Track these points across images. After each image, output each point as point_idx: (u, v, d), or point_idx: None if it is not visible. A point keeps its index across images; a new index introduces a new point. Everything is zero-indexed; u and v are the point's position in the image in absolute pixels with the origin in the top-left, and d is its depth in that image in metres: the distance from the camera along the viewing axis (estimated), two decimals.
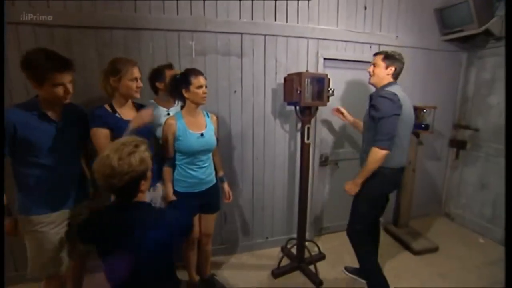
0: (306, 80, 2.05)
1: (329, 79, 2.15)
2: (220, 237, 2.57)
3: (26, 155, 1.39)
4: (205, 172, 1.87)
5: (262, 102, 2.44)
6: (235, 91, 2.36)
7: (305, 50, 2.46)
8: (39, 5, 1.91)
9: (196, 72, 1.76)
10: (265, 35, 2.33)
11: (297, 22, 2.40)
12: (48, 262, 1.49)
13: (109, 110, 1.58)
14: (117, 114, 1.58)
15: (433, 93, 3.04)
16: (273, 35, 2.35)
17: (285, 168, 2.62)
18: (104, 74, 1.57)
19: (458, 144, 3.17)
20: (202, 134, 1.80)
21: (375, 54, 1.92)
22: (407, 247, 2.70)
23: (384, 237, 2.91)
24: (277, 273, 2.33)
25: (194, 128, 1.79)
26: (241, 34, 2.28)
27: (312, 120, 2.56)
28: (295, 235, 2.51)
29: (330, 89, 2.17)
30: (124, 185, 1.08)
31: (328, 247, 2.74)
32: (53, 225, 1.48)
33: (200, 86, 1.74)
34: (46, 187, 1.45)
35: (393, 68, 1.86)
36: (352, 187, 1.90)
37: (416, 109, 2.66)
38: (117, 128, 1.54)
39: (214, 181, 1.97)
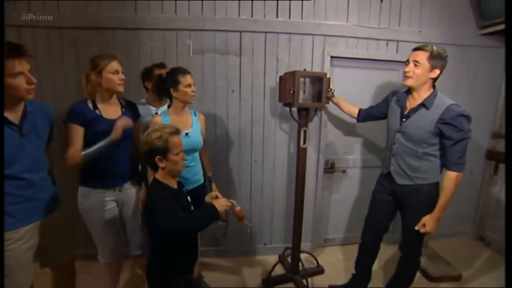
0: (301, 79, 1.90)
1: (329, 79, 1.97)
2: (215, 238, 2.53)
3: None
4: (191, 172, 1.84)
5: (262, 102, 2.34)
6: (233, 91, 2.29)
7: (309, 48, 2.30)
8: (50, 7, 2.06)
9: (183, 71, 1.73)
10: (265, 32, 2.23)
11: (301, 18, 2.25)
12: (16, 285, 1.34)
13: (90, 106, 1.61)
14: (96, 111, 1.61)
15: (466, 97, 2.63)
16: (275, 33, 2.24)
17: (285, 172, 2.48)
18: (85, 73, 1.60)
19: (496, 157, 2.71)
20: (187, 134, 1.77)
21: (416, 49, 1.60)
22: (422, 271, 2.37)
23: (396, 256, 2.61)
24: (268, 282, 2.21)
25: (179, 127, 1.76)
26: (240, 32, 2.21)
27: (316, 123, 2.41)
28: None
29: (330, 89, 1.99)
30: (144, 154, 1.30)
31: (330, 260, 2.54)
32: (23, 240, 1.33)
33: (189, 85, 1.71)
34: (14, 200, 1.28)
35: (438, 72, 1.57)
36: (435, 224, 1.63)
37: None
38: (93, 125, 1.57)
39: (202, 181, 1.93)
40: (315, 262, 2.42)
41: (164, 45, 2.18)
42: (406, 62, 1.65)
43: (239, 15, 2.18)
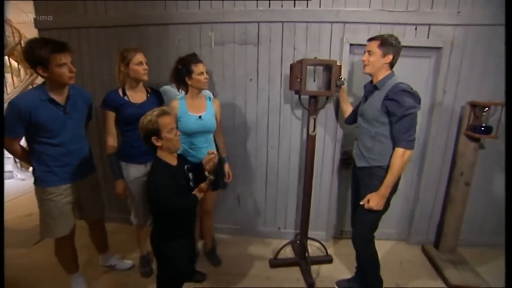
0: (310, 67, 1.92)
1: (339, 67, 1.95)
2: (233, 217, 2.73)
3: (39, 136, 1.60)
4: (204, 152, 2.01)
5: (278, 90, 2.41)
6: (251, 79, 2.41)
7: (327, 35, 2.27)
8: (101, 6, 2.44)
9: (196, 60, 1.92)
10: (282, 22, 2.28)
11: (319, 6, 2.23)
12: (57, 227, 1.74)
13: (120, 93, 1.92)
14: (125, 97, 1.91)
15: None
16: (292, 22, 2.27)
17: (300, 160, 2.52)
18: (116, 64, 1.91)
19: None
20: (200, 117, 1.96)
21: (370, 40, 1.73)
22: (442, 277, 2.20)
23: (418, 258, 2.47)
24: (274, 263, 2.32)
25: (193, 110, 1.97)
26: (258, 22, 2.30)
27: (332, 112, 2.39)
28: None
29: (341, 77, 1.96)
30: (143, 138, 1.50)
31: (342, 252, 2.53)
32: (63, 195, 1.72)
33: (201, 73, 1.89)
34: (57, 163, 1.67)
35: (390, 57, 1.67)
36: (380, 200, 1.65)
37: (475, 107, 2.12)
38: (123, 109, 1.88)
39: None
40: (331, 250, 2.45)
41: (189, 37, 2.40)
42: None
43: (257, 7, 2.27)
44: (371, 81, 1.80)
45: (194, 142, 1.98)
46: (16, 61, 5.50)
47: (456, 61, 2.25)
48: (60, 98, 1.64)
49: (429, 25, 2.21)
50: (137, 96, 1.95)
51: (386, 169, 1.67)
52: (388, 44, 1.65)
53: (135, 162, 1.94)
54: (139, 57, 1.86)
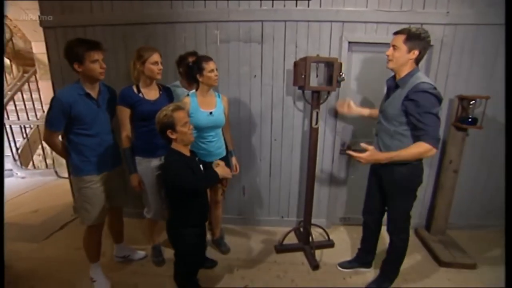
0: (312, 64, 2.06)
1: (340, 64, 2.09)
2: (238, 208, 2.86)
3: (77, 128, 1.77)
4: (214, 146, 2.15)
5: (281, 86, 2.54)
6: (255, 76, 2.53)
7: (327, 34, 2.41)
8: (107, 4, 2.50)
9: (206, 58, 2.02)
10: (285, 21, 2.40)
11: (320, 6, 2.36)
12: (96, 213, 1.90)
13: (135, 90, 2.00)
14: (140, 94, 1.99)
15: (502, 82, 2.49)
16: (294, 21, 2.40)
17: (302, 152, 2.67)
18: (132, 61, 1.99)
19: None
20: (211, 113, 2.07)
21: (396, 33, 1.66)
22: (434, 256, 2.41)
23: (411, 240, 2.66)
24: (280, 249, 2.48)
25: (205, 107, 2.07)
26: (262, 21, 2.42)
27: (332, 106, 2.54)
28: None
29: (341, 74, 2.11)
30: (159, 131, 1.61)
31: (342, 237, 2.71)
32: (99, 183, 1.89)
33: (212, 70, 2.00)
34: (93, 152, 1.83)
35: (416, 52, 1.61)
36: (372, 158, 1.62)
37: (463, 100, 2.31)
38: (138, 105, 1.96)
39: (224, 154, 2.23)
40: (335, 236, 2.62)
41: (195, 35, 2.50)
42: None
43: (260, 6, 2.39)
44: (394, 77, 1.77)
45: (205, 137, 2.09)
46: (8, 58, 5.43)
47: (445, 58, 2.44)
48: (93, 93, 1.82)
49: (422, 24, 2.37)
50: (151, 93, 2.04)
51: (406, 164, 1.67)
52: (414, 38, 1.57)
53: (150, 156, 2.04)
54: (156, 56, 1.94)
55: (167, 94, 2.15)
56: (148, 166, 2.05)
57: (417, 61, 1.65)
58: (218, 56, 2.50)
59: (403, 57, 1.63)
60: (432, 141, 1.53)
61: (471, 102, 2.26)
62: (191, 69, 2.04)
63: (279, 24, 2.41)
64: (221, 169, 1.73)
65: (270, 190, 2.79)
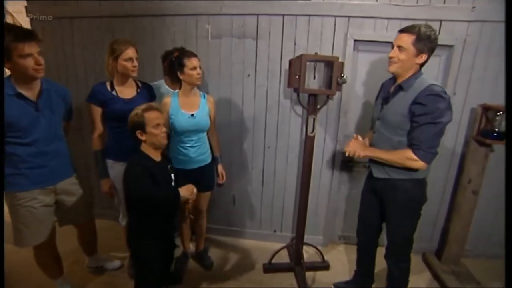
0: (309, 63, 1.80)
1: (341, 63, 1.82)
2: (227, 218, 2.63)
3: (8, 135, 1.42)
4: (196, 152, 1.94)
5: (277, 87, 2.29)
6: (248, 75, 2.29)
7: (330, 30, 2.13)
8: None
9: (189, 54, 1.81)
10: (283, 15, 2.14)
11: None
12: (32, 234, 1.58)
13: (108, 87, 1.81)
14: (113, 92, 1.80)
15: None
16: (293, 15, 2.13)
17: (299, 161, 2.41)
18: (106, 55, 1.80)
19: None
20: (192, 115, 1.86)
21: (401, 31, 1.42)
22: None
23: (419, 269, 2.35)
24: (268, 268, 2.23)
25: (186, 108, 1.87)
26: (257, 15, 2.17)
27: (335, 111, 2.27)
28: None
29: (343, 75, 1.83)
30: (129, 131, 1.47)
31: (340, 258, 2.43)
32: (37, 200, 1.55)
33: (194, 68, 1.79)
34: (27, 164, 1.49)
35: (425, 56, 1.40)
36: (361, 150, 1.52)
37: (488, 110, 1.98)
38: (110, 104, 1.77)
39: (208, 160, 2.02)
40: (332, 256, 2.37)
41: (185, 30, 2.29)
42: (392, 46, 1.48)
43: None
44: (393, 79, 1.58)
45: (186, 141, 1.89)
46: None
47: (468, 60, 2.10)
48: (30, 93, 1.46)
49: (441, 21, 2.05)
50: (126, 91, 1.85)
51: (412, 181, 1.51)
52: (425, 40, 1.35)
53: (123, 159, 1.82)
54: (130, 52, 1.74)
55: (147, 92, 1.95)
56: (121, 170, 1.84)
57: (422, 65, 1.45)
58: (209, 52, 2.28)
59: (410, 61, 1.41)
60: (423, 154, 1.37)
61: (498, 113, 1.92)
62: (173, 66, 1.84)
63: (276, 18, 2.16)
64: (184, 189, 1.55)
65: (263, 201, 2.55)
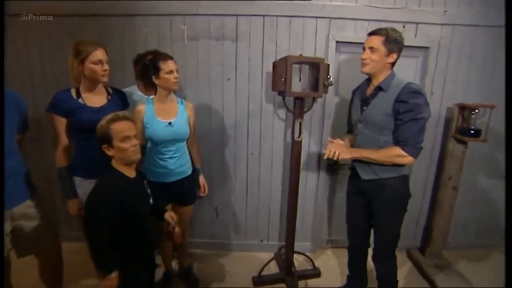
0: (295, 66, 1.73)
1: (327, 65, 1.77)
2: (210, 231, 2.47)
3: None
4: (175, 163, 1.78)
5: (259, 91, 2.20)
6: (228, 79, 2.18)
7: (312, 32, 2.10)
8: None
9: (165, 57, 1.66)
10: (263, 15, 2.07)
11: (303, 0, 2.05)
12: None
13: (73, 94, 1.59)
14: (80, 100, 1.58)
15: (501, 88, 2.26)
16: (273, 16, 2.07)
17: (284, 167, 2.33)
18: (70, 57, 1.59)
19: None
20: (170, 123, 1.71)
21: (371, 34, 1.50)
22: (430, 282, 2.12)
23: (405, 265, 2.38)
24: (258, 281, 2.11)
25: (163, 115, 1.71)
26: (236, 16, 2.07)
27: (319, 114, 2.23)
28: None
29: (329, 77, 1.79)
30: (98, 144, 1.29)
31: (330, 263, 2.38)
32: None
33: (171, 71, 1.63)
34: None
35: (395, 56, 1.48)
36: (346, 152, 1.51)
37: (464, 109, 2.05)
38: (76, 114, 1.54)
39: (188, 172, 1.87)
40: (319, 263, 2.29)
41: (159, 31, 2.12)
42: (363, 49, 1.55)
43: None
44: (366, 82, 1.63)
45: (164, 152, 1.73)
46: None
47: (443, 62, 2.18)
48: None
49: (417, 23, 2.11)
50: (95, 98, 1.63)
51: (399, 178, 1.54)
52: (393, 41, 1.44)
53: (93, 176, 1.55)
54: (99, 54, 1.53)
55: (119, 99, 1.75)
56: (89, 188, 1.64)
57: (393, 65, 1.53)
58: (185, 55, 2.13)
59: (382, 61, 1.48)
60: (410, 149, 1.43)
61: (474, 112, 2.00)
62: (146, 70, 1.67)
63: (257, 19, 2.08)
64: (168, 214, 1.48)
65: (247, 210, 2.43)
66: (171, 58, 1.66)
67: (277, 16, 2.06)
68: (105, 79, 1.60)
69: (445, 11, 2.11)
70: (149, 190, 1.45)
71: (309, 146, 2.29)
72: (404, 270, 2.28)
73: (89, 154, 1.58)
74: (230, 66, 2.15)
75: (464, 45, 2.17)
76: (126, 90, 1.92)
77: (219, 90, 2.20)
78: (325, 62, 1.77)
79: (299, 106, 1.86)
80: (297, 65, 1.86)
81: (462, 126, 2.07)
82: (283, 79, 1.72)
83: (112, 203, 1.21)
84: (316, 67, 1.77)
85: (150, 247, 1.48)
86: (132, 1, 2.06)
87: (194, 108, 1.87)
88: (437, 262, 2.30)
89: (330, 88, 2.07)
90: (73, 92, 1.59)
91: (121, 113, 1.33)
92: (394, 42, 1.44)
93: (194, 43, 2.12)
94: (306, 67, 1.96)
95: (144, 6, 2.06)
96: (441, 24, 2.12)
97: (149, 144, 1.75)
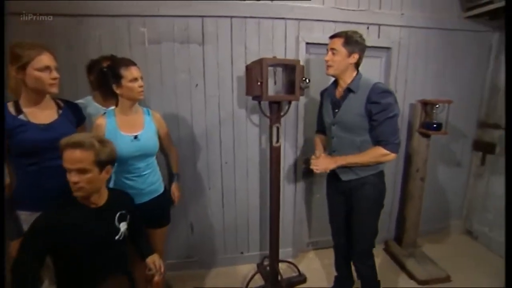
0: (270, 68, 1.66)
1: (302, 67, 1.73)
2: (186, 249, 2.28)
3: None
4: (145, 181, 1.59)
5: (230, 96, 2.08)
6: (196, 85, 2.02)
7: (282, 33, 2.05)
8: None
9: (126, 62, 1.47)
10: (231, 17, 1.97)
11: (271, 0, 1.99)
12: None
13: (11, 109, 1.30)
14: (21, 116, 1.30)
15: (452, 84, 2.47)
16: (242, 17, 1.98)
17: (260, 174, 2.24)
18: (8, 64, 1.30)
19: (484, 147, 2.56)
20: (136, 137, 1.51)
21: (331, 37, 1.54)
22: (409, 274, 2.21)
23: (383, 257, 2.46)
24: None
25: (127, 129, 1.51)
26: (202, 17, 1.94)
27: (292, 117, 2.18)
28: None
29: (305, 79, 1.75)
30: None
31: (313, 266, 2.35)
32: None
33: (135, 79, 1.45)
34: None
35: (356, 56, 1.50)
36: (329, 164, 1.54)
37: (426, 105, 2.17)
38: (17, 133, 1.26)
39: (160, 190, 1.69)
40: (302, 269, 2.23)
41: (115, 34, 1.88)
42: (327, 51, 1.56)
43: None
44: (333, 84, 1.64)
45: (132, 170, 1.54)
46: None
47: (403, 61, 2.30)
48: None
49: (379, 25, 2.19)
50: (42, 114, 1.34)
51: (377, 174, 1.57)
52: (353, 42, 1.47)
53: (41, 209, 1.25)
54: (45, 59, 1.27)
55: (72, 114, 1.48)
56: None
57: (357, 66, 1.55)
58: (146, 61, 1.93)
59: (344, 62, 1.50)
60: (392, 146, 1.46)
61: (436, 107, 2.13)
62: (105, 78, 1.46)
63: (224, 20, 1.97)
64: (151, 259, 1.35)
65: (225, 222, 2.29)
66: (133, 64, 1.47)
67: (245, 17, 1.98)
68: (55, 89, 1.33)
69: (402, 14, 2.22)
70: (121, 224, 1.25)
71: (284, 150, 2.23)
72: (383, 263, 2.35)
73: (40, 181, 1.32)
74: (197, 71, 2.01)
75: (419, 46, 2.32)
76: (79, 102, 1.66)
77: (187, 97, 2.03)
78: (300, 64, 1.72)
79: (276, 111, 1.79)
80: (271, 68, 1.79)
81: (425, 121, 2.20)
82: (258, 83, 1.64)
83: (46, 234, 1.04)
84: (292, 69, 1.71)
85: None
86: (80, 0, 1.80)
87: (162, 117, 1.70)
88: (412, 251, 2.41)
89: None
90: (10, 107, 1.31)
91: (71, 138, 1.10)
92: (354, 43, 1.47)
93: (156, 47, 1.93)
94: (279, 70, 1.90)
95: (97, 6, 1.82)
96: (400, 26, 2.23)
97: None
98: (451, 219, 2.82)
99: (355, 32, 1.49)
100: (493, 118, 2.55)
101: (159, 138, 1.65)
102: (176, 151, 1.86)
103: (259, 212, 2.32)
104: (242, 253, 2.38)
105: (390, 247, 2.50)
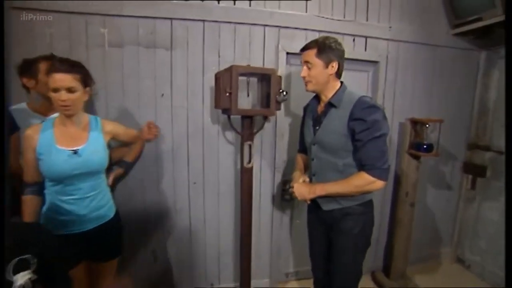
0: (241, 78, 1.46)
1: (279, 78, 1.54)
2: (148, 280, 1.98)
3: None
4: (88, 206, 1.32)
5: (200, 108, 1.86)
6: (162, 95, 1.80)
7: (260, 41, 1.87)
8: None
9: (54, 66, 1.20)
10: (203, 20, 1.77)
11: (249, 5, 1.82)
12: None
13: None
14: None
15: (440, 103, 2.33)
16: (215, 21, 1.78)
17: (235, 196, 2.00)
18: None
19: (474, 170, 2.39)
20: (75, 152, 1.26)
21: (303, 49, 1.34)
22: None
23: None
24: None
25: (65, 142, 1.26)
26: (171, 19, 1.73)
27: (270, 134, 1.97)
28: None
29: (282, 91, 1.55)
30: None
31: None
32: None
33: (55, 89, 1.18)
34: None
35: (335, 64, 1.29)
36: (309, 192, 1.35)
37: (416, 124, 2.00)
38: None
39: (110, 215, 1.43)
40: None
41: (70, 34, 1.65)
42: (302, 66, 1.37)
43: None
44: (316, 98, 1.44)
45: (71, 192, 1.28)
46: None
47: (391, 76, 2.15)
48: None
49: (366, 37, 2.04)
50: None
51: (364, 204, 1.35)
52: (327, 49, 1.28)
53: None
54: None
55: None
56: None
57: (339, 75, 1.35)
58: (105, 65, 1.70)
59: (322, 74, 1.31)
60: (379, 172, 1.23)
61: (426, 126, 1.96)
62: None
63: (196, 24, 1.77)
64: None
65: (193, 250, 2.01)
66: (61, 69, 1.18)
67: (219, 22, 1.79)
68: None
69: (390, 27, 2.09)
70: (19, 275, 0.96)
71: (260, 171, 2.01)
72: None
73: None
74: (164, 79, 1.78)
75: (408, 60, 2.19)
76: (14, 108, 1.41)
77: (151, 108, 1.79)
78: (277, 74, 1.53)
79: (248, 126, 1.57)
80: (244, 78, 1.59)
81: (415, 141, 2.03)
82: (227, 94, 1.43)
83: None
84: (267, 79, 1.51)
85: None
86: None
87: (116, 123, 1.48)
88: (402, 283, 2.19)
89: (282, 105, 1.85)
90: None
91: None
92: (329, 51, 1.27)
93: (118, 50, 1.71)
94: (254, 81, 1.70)
95: (49, 1, 1.59)
96: (388, 39, 2.10)
97: (48, 183, 1.27)
98: (441, 246, 2.62)
99: (327, 38, 1.30)
100: (483, 140, 2.41)
101: (124, 142, 1.48)
102: (142, 143, 1.67)
103: (233, 240, 2.05)
104: (212, 285, 2.09)
105: (378, 278, 2.27)
